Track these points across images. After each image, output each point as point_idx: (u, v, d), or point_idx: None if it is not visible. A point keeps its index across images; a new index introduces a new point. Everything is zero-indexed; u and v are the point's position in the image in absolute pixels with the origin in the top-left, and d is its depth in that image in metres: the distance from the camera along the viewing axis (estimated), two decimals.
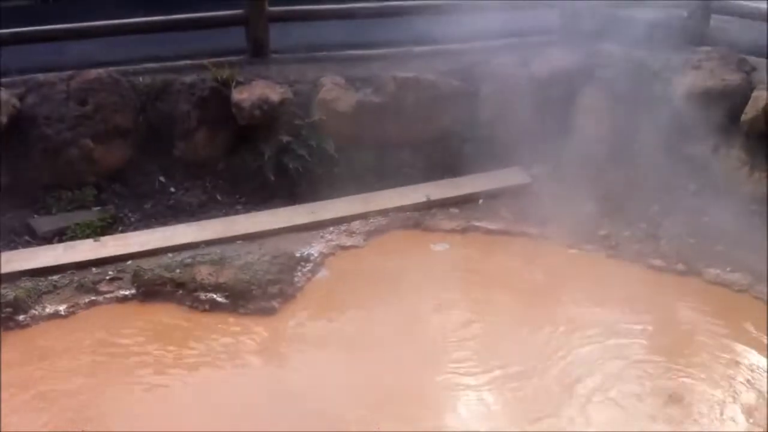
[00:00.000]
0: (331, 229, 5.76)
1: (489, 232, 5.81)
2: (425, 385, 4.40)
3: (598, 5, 7.56)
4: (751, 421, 4.07)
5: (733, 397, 4.23)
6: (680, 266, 5.32)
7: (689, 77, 6.05)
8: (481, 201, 6.11)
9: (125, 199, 5.99)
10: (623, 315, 4.92)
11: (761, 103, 5.61)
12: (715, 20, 6.95)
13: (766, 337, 4.66)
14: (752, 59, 6.14)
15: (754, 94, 5.72)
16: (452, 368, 4.48)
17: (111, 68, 6.33)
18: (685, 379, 4.39)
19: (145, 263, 5.23)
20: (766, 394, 4.21)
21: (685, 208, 5.79)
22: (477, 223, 5.88)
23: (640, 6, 7.53)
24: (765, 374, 4.36)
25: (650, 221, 5.73)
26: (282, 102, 6.18)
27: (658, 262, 5.38)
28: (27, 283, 5.02)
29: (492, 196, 6.15)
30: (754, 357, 4.54)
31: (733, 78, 5.91)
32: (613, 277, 5.28)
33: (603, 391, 4.29)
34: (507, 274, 5.35)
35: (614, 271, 5.36)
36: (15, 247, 5.48)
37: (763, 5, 6.37)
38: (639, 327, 4.83)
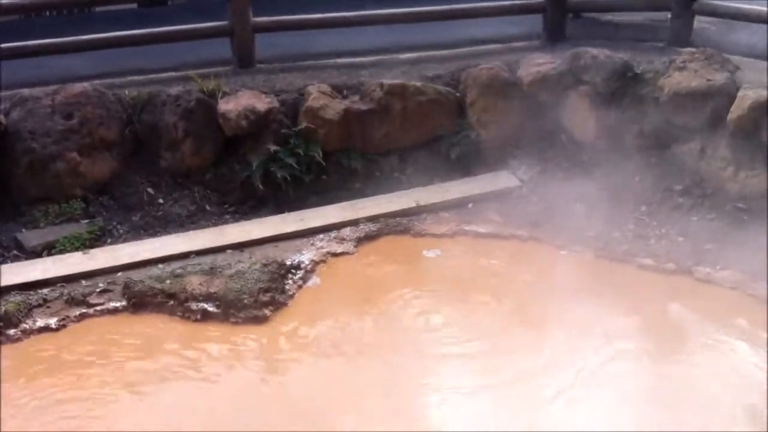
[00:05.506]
0: (321, 236, 5.73)
1: (479, 235, 5.80)
2: (419, 392, 4.38)
3: (582, 9, 7.67)
4: (750, 417, 4.06)
5: (732, 394, 4.22)
6: (670, 265, 5.32)
7: (674, 78, 6.08)
8: (470, 205, 6.11)
9: (113, 212, 5.94)
10: (615, 315, 4.91)
11: (747, 103, 5.64)
12: (699, 21, 7.02)
13: (766, 333, 4.63)
14: (736, 59, 6.18)
15: (740, 93, 5.75)
16: (446, 373, 4.46)
17: (96, 81, 6.33)
18: (681, 378, 4.40)
19: (136, 275, 5.19)
20: (765, 391, 4.20)
21: (673, 207, 5.82)
22: (467, 227, 5.86)
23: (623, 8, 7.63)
24: (764, 371, 4.35)
25: (638, 221, 5.74)
26: (268, 111, 6.17)
27: (647, 262, 5.37)
28: (17, 297, 4.96)
29: (481, 199, 6.15)
30: (749, 353, 4.54)
31: (718, 78, 5.93)
32: (604, 278, 5.28)
33: (596, 390, 4.30)
34: (499, 277, 5.34)
35: (604, 271, 5.36)
36: (4, 262, 5.43)
37: (746, 6, 6.44)
38: (631, 326, 4.82)
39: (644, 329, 4.83)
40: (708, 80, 5.94)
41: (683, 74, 6.08)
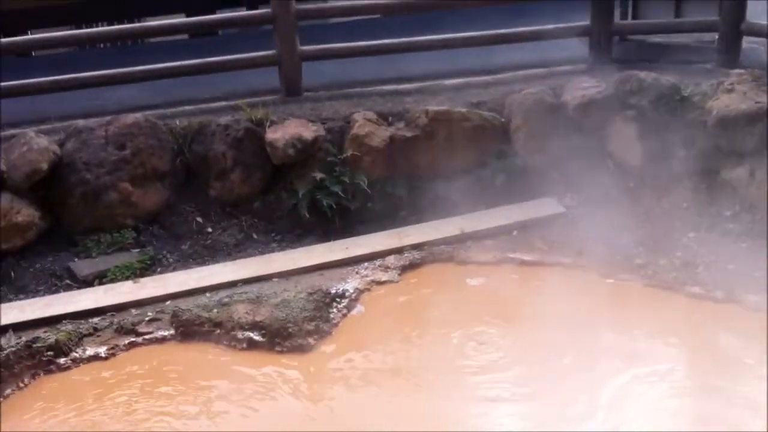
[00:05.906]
0: (366, 264, 5.76)
1: (524, 263, 5.76)
2: (462, 421, 4.38)
3: (628, 31, 7.61)
4: None
5: None
6: (719, 293, 5.21)
7: (722, 100, 5.99)
8: (515, 232, 6.09)
9: (163, 241, 6.08)
10: (663, 344, 4.84)
11: None
12: (747, 41, 6.93)
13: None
14: None
15: None
16: (490, 404, 4.45)
17: (148, 112, 6.48)
18: (726, 405, 4.31)
19: (184, 303, 5.30)
20: None
21: (722, 234, 5.72)
22: (511, 255, 5.83)
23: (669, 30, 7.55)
24: None
25: (686, 248, 5.65)
26: (315, 140, 6.26)
27: (696, 290, 5.27)
28: (68, 326, 5.10)
29: (526, 227, 6.12)
30: None
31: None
32: (652, 307, 5.20)
33: (643, 419, 4.25)
34: (544, 306, 5.27)
35: (652, 300, 5.27)
36: (56, 291, 5.60)
37: None
38: (679, 356, 4.77)
39: (691, 358, 4.76)
40: (757, 102, 5.84)
41: (731, 97, 5.99)
